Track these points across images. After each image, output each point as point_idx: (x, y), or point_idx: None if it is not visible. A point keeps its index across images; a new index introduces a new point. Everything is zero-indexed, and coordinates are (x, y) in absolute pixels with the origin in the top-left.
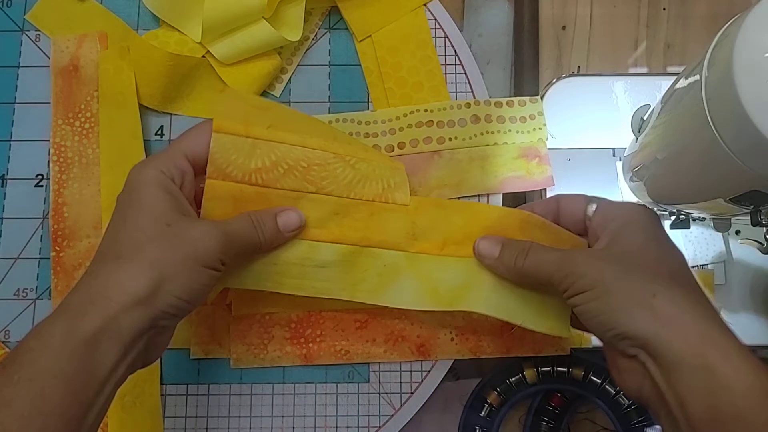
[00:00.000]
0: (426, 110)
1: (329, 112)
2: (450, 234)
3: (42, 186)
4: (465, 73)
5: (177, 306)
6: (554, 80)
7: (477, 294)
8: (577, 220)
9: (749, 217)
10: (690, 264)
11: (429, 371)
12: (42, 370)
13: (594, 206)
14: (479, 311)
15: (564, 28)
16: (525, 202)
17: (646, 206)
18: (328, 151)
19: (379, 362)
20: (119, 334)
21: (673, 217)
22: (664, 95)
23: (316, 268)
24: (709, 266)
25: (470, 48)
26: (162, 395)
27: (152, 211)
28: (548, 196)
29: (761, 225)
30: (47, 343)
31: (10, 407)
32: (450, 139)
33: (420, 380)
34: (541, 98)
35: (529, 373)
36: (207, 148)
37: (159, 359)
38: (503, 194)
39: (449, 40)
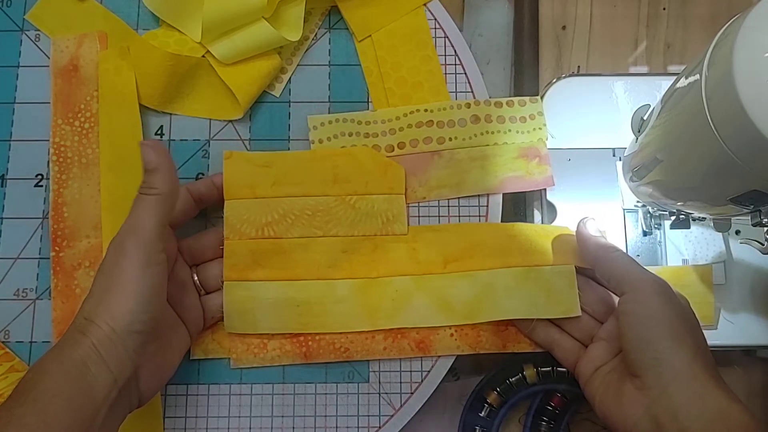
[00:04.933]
0: (426, 110)
1: (329, 112)
2: (449, 253)
3: (42, 186)
4: (465, 73)
5: (131, 320)
6: (554, 80)
7: (490, 303)
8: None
9: (749, 217)
10: (690, 264)
11: (429, 371)
12: (43, 391)
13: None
14: (496, 318)
15: (564, 28)
16: (525, 202)
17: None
18: (329, 195)
19: (379, 361)
20: (102, 359)
21: (673, 217)
22: (664, 95)
23: (335, 304)
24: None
25: (470, 48)
26: (162, 395)
27: (131, 260)
28: (548, 196)
29: (761, 225)
30: (45, 370)
31: (20, 422)
32: (450, 139)
33: (420, 380)
34: (541, 98)
35: (529, 373)
36: (178, 208)
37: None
38: (503, 194)
39: (449, 40)
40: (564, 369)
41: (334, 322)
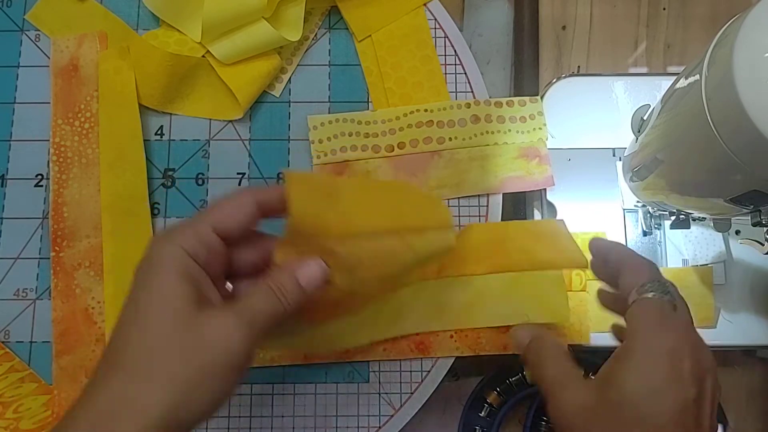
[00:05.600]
0: (426, 110)
1: (329, 112)
2: (443, 257)
3: (42, 186)
4: (465, 73)
5: (202, 420)
6: (554, 80)
7: (480, 310)
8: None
9: (749, 217)
10: (690, 264)
11: (429, 371)
12: None
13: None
14: (484, 326)
15: (564, 28)
16: (525, 202)
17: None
18: (390, 239)
19: (379, 361)
20: (133, 405)
21: (673, 217)
22: (664, 95)
23: (335, 319)
24: (709, 266)
25: (470, 48)
26: None
27: (167, 308)
28: (548, 196)
29: (761, 225)
30: (71, 421)
31: None
32: (450, 139)
33: (420, 380)
34: (541, 98)
35: (529, 374)
36: (238, 222)
37: None
38: (503, 194)
39: (449, 40)
40: None
41: (334, 338)
